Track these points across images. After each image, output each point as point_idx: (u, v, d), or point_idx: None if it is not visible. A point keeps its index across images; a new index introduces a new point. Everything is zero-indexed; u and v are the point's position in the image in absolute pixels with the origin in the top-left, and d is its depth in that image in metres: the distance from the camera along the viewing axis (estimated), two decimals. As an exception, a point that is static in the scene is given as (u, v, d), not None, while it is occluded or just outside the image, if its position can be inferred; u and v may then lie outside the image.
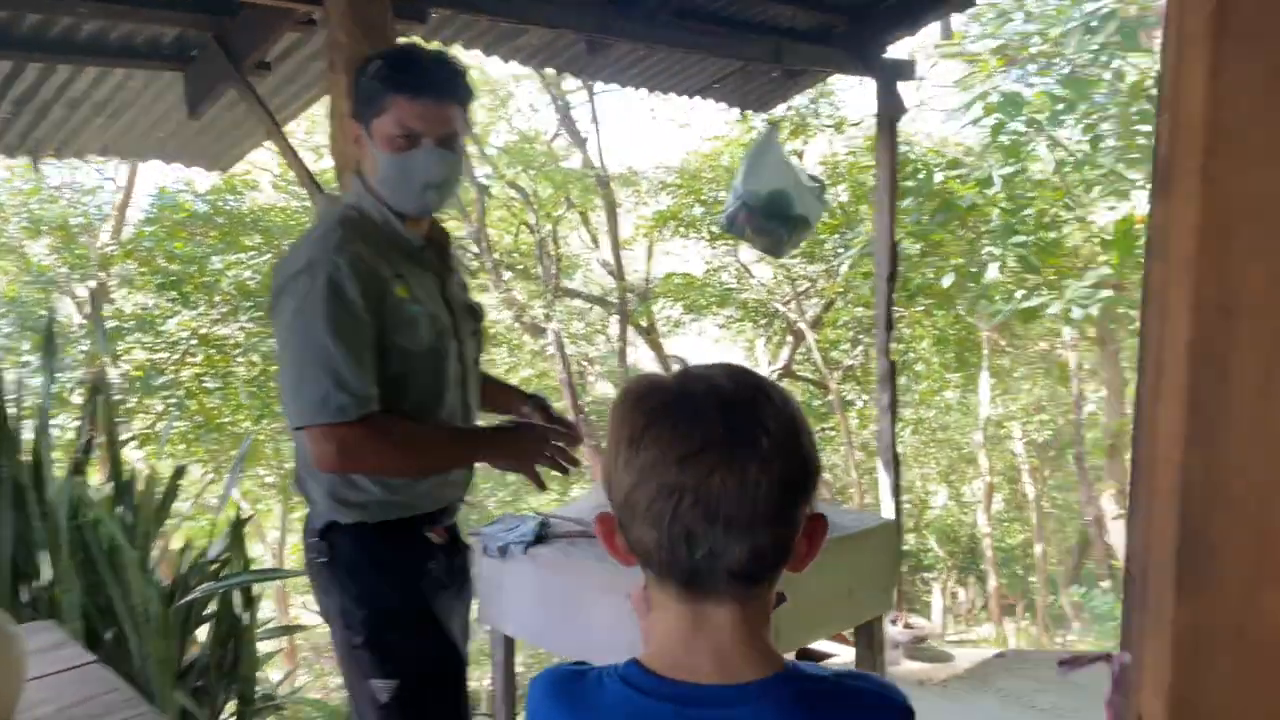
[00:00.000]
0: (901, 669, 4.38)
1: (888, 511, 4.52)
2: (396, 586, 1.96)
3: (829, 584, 3.25)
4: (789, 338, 13.77)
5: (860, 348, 14.95)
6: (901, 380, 14.71)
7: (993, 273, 5.89)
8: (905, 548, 15.68)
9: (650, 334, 12.39)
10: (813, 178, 4.29)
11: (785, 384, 15.02)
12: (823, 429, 14.94)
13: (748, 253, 12.86)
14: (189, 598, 4.42)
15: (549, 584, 3.16)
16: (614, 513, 0.96)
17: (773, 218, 4.04)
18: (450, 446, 2.02)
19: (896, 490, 4.51)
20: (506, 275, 12.44)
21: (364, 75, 1.89)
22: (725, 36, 4.02)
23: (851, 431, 13.64)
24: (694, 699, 0.92)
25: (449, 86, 1.88)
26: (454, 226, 12.90)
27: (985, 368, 12.76)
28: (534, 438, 2.01)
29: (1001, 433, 13.74)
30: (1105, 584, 9.90)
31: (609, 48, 4.06)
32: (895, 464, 4.52)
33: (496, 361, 13.34)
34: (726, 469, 0.88)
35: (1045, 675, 4.41)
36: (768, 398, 0.94)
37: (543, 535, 3.26)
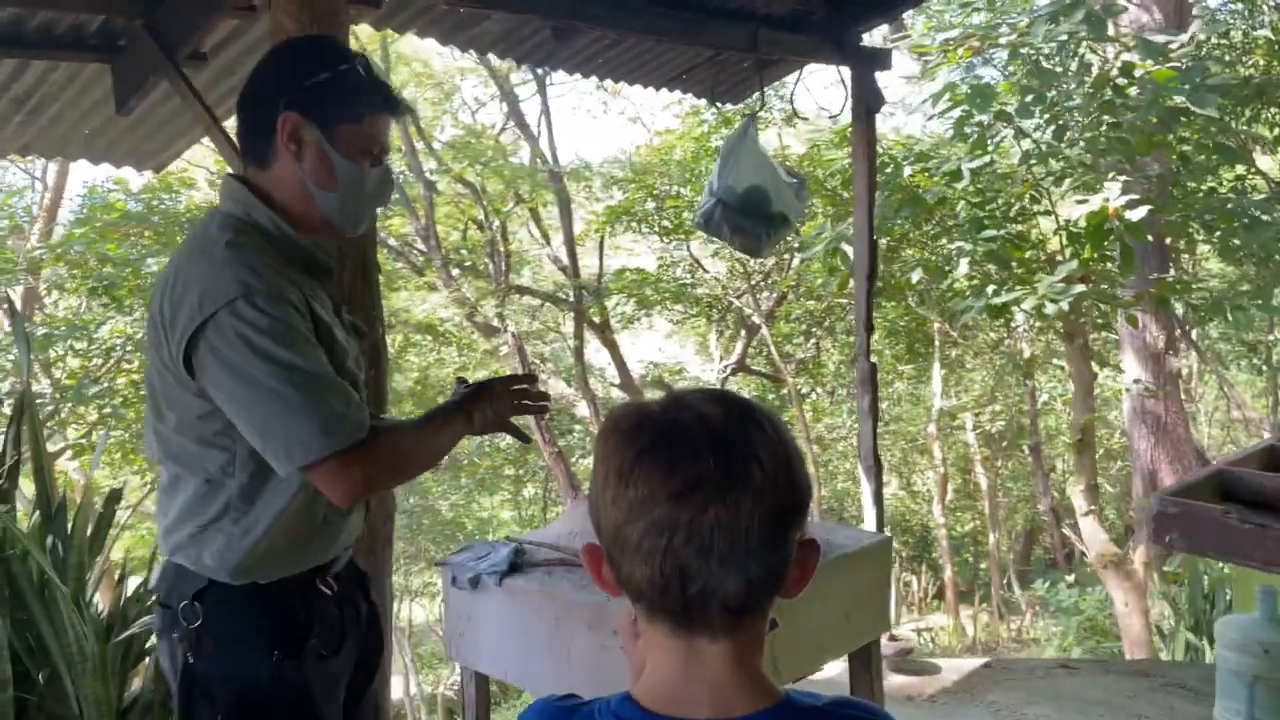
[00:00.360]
0: (888, 683, 4.17)
1: (869, 521, 4.30)
2: (277, 658, 1.69)
3: (827, 609, 3.04)
4: (742, 332, 13.68)
5: (813, 340, 14.94)
6: (853, 374, 14.69)
7: (963, 268, 5.71)
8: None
9: (604, 331, 12.12)
10: (791, 173, 4.06)
11: (739, 378, 14.91)
12: (777, 423, 14.85)
13: (700, 247, 12.78)
14: (128, 633, 4.09)
15: (525, 617, 2.91)
16: (602, 545, 0.94)
17: (751, 215, 3.80)
18: (436, 433, 1.82)
19: (879, 498, 4.30)
20: (455, 273, 12.09)
21: (329, 70, 1.68)
22: (699, 23, 3.76)
23: (808, 425, 13.52)
24: None
25: (401, 105, 1.79)
26: (400, 224, 12.53)
27: (937, 359, 12.72)
28: (498, 390, 1.91)
29: (955, 424, 13.70)
30: (1069, 578, 9.85)
31: (575, 35, 3.77)
32: (877, 470, 4.30)
33: (446, 362, 13.00)
34: (720, 504, 0.87)
35: (1035, 685, 4.24)
36: (759, 427, 0.92)
37: (517, 564, 3.00)
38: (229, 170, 1.97)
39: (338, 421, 1.56)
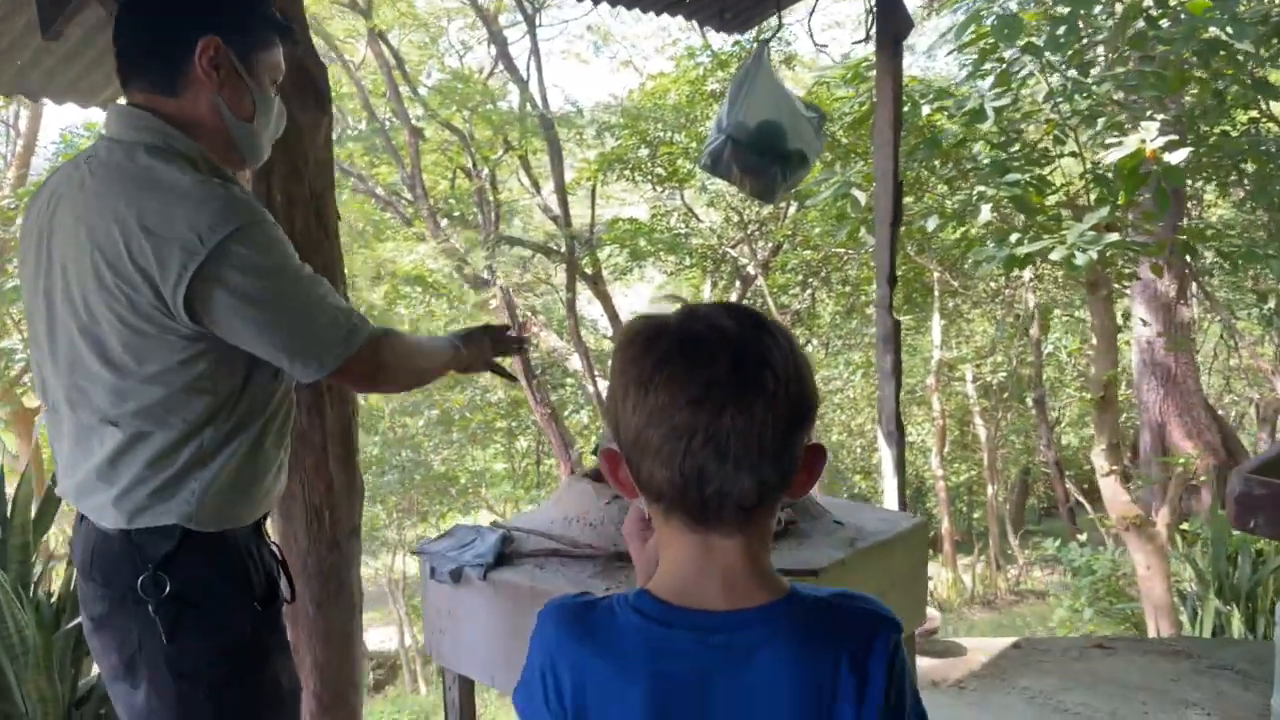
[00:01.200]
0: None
1: (890, 493, 3.86)
2: (257, 610, 1.66)
3: (859, 605, 2.61)
4: (737, 282, 13.25)
5: (809, 291, 14.49)
6: (853, 323, 14.28)
7: (985, 215, 5.22)
8: (856, 492, 15.32)
9: (596, 283, 11.63)
10: (809, 106, 3.56)
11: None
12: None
13: (694, 196, 12.30)
14: (77, 620, 3.66)
15: (513, 615, 2.48)
16: (621, 450, 0.98)
17: (764, 154, 3.31)
18: (428, 350, 1.93)
19: (900, 466, 3.86)
20: (444, 223, 11.55)
21: None
22: (707, -66, 3.25)
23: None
24: (712, 626, 0.96)
25: (293, 32, 1.78)
26: (387, 172, 11.96)
27: (936, 309, 12.31)
28: (478, 335, 2.06)
29: (955, 376, 13.30)
30: (1082, 538, 9.48)
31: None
32: (899, 436, 3.86)
33: (437, 314, 12.50)
34: (736, 409, 0.91)
35: (1069, 668, 3.84)
36: (771, 336, 0.95)
37: (504, 554, 2.57)
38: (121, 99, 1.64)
39: (353, 314, 1.62)
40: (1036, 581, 13.81)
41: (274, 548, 1.78)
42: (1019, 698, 3.57)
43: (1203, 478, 8.02)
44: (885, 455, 3.85)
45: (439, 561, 2.59)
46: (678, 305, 1.22)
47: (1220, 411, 10.67)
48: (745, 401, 0.90)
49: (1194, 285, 8.88)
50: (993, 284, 13.46)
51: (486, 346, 2.06)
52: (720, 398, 0.90)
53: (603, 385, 12.69)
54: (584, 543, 2.57)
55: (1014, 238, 5.19)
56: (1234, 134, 6.51)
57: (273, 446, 1.69)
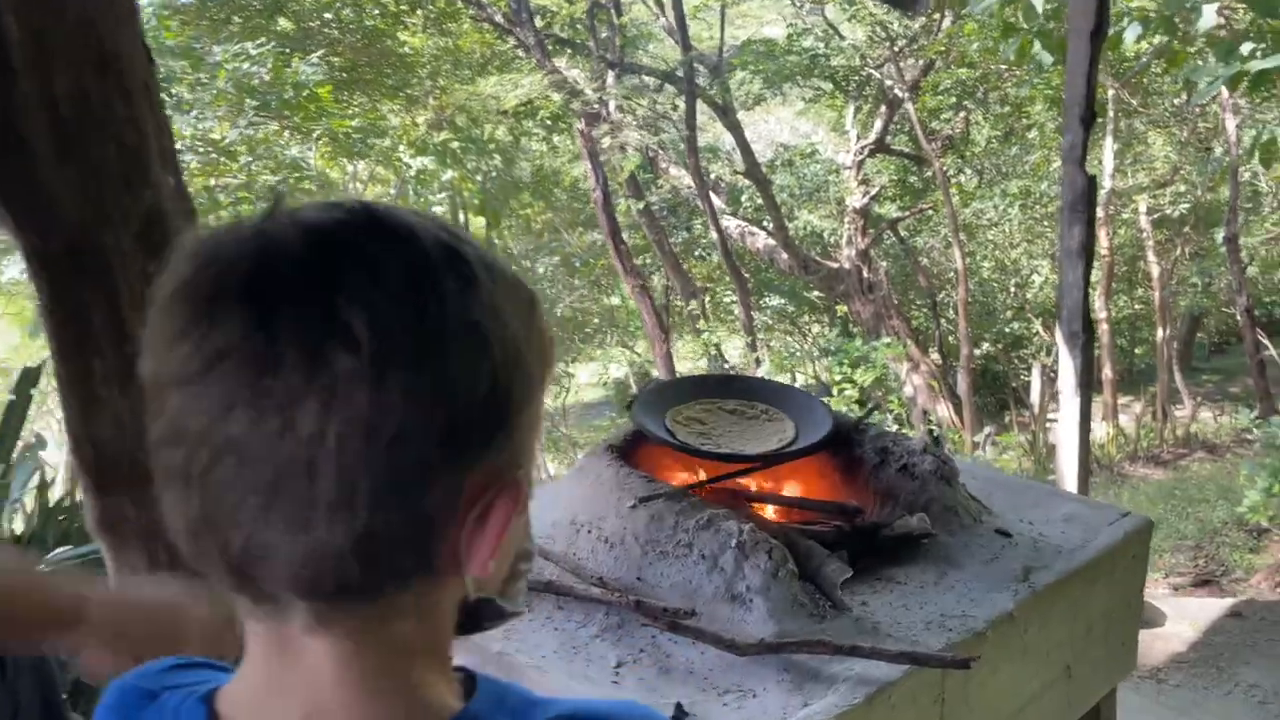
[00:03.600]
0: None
1: (1066, 436, 2.69)
2: None
3: (1031, 670, 1.60)
4: (883, 107, 11.73)
5: (963, 114, 12.75)
6: (1011, 150, 12.50)
7: (1209, 18, 3.75)
8: (1007, 329, 13.85)
9: (727, 114, 10.28)
10: None
11: (877, 159, 12.91)
12: (920, 209, 12.98)
13: (835, 12, 10.73)
14: (50, 556, 3.04)
15: (495, 661, 1.58)
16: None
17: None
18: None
19: (1086, 379, 2.70)
20: (564, 57, 10.32)
21: None
22: None
23: (955, 210, 11.59)
24: None
25: None
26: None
27: (1110, 131, 10.51)
28: None
29: (1129, 207, 11.50)
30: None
31: None
32: (1087, 338, 2.69)
33: (561, 151, 11.40)
34: (252, 407, 0.48)
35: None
36: (373, 266, 0.50)
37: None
38: None
39: None
40: (1205, 428, 12.26)
41: None
42: (1242, 701, 2.50)
43: None
44: (1065, 366, 2.70)
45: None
46: None
47: None
48: (277, 392, 0.47)
49: None
50: (1175, 101, 11.45)
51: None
52: (229, 381, 0.47)
53: (731, 225, 11.53)
54: (592, 572, 1.61)
55: (1246, 48, 3.74)
56: None
57: None
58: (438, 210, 11.63)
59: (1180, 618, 2.91)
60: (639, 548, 1.55)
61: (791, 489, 1.82)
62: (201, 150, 7.51)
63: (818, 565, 1.52)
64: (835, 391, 7.59)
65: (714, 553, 1.49)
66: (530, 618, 1.52)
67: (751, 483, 1.80)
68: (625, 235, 11.44)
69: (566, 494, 1.75)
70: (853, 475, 1.78)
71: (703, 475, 1.78)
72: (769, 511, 1.78)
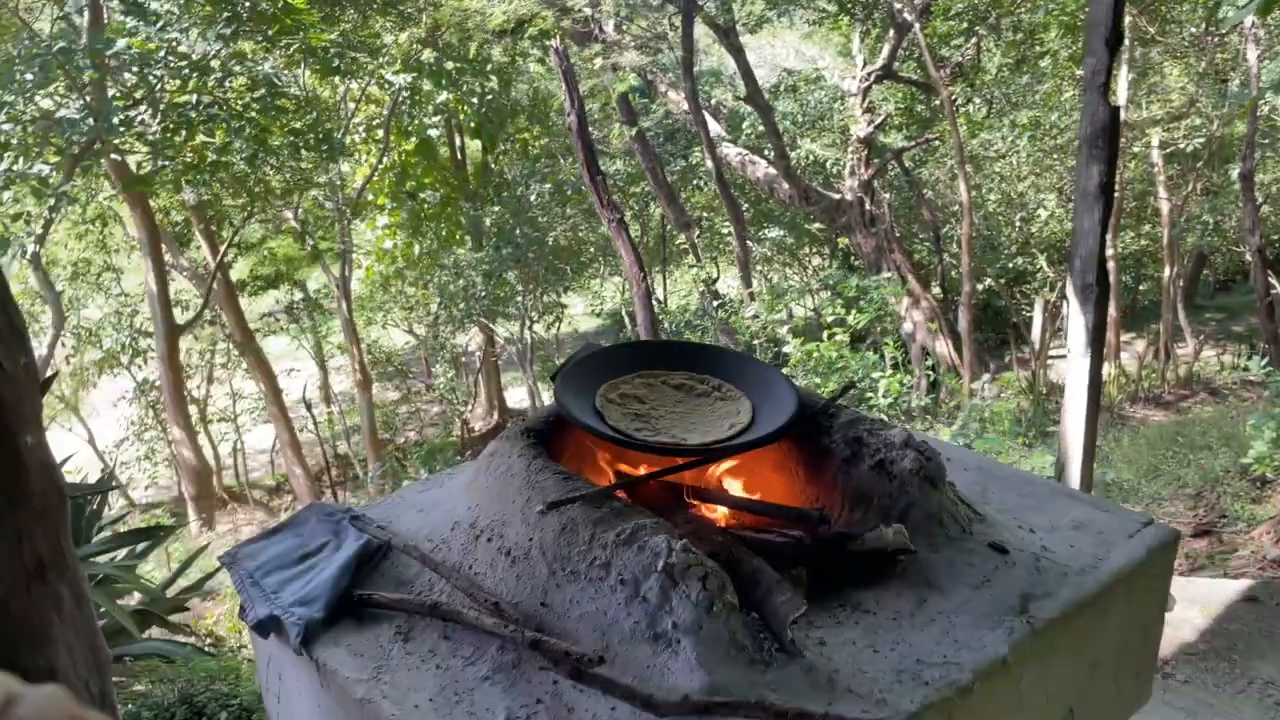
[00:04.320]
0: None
1: (1073, 393, 2.37)
2: None
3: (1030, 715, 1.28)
4: (891, 31, 11.12)
5: (974, 40, 12.16)
6: (1023, 79, 11.92)
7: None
8: (1011, 264, 13.40)
9: (729, 36, 9.73)
10: None
11: (884, 86, 12.35)
12: (927, 139, 12.44)
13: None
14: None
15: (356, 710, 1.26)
16: None
17: None
18: None
19: (1098, 338, 2.38)
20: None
21: None
22: None
23: (962, 140, 11.08)
24: None
25: None
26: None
27: (1125, 61, 9.96)
28: None
29: (1141, 140, 10.99)
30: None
31: None
32: (1102, 292, 2.36)
33: (554, 73, 10.88)
34: None
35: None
36: None
37: (353, 595, 1.33)
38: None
39: None
40: (1207, 367, 11.91)
41: None
42: (1257, 701, 2.23)
43: None
44: (1074, 323, 2.36)
45: (249, 593, 1.36)
46: None
47: None
48: None
49: None
50: (1194, 29, 10.87)
51: None
52: None
53: (730, 153, 11.04)
54: (490, 593, 1.30)
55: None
56: None
57: None
58: (433, 133, 11.15)
59: (1190, 601, 2.61)
60: (546, 565, 1.24)
61: (739, 485, 1.50)
62: (172, 64, 7.05)
63: (765, 593, 1.21)
64: (825, 336, 7.23)
65: (635, 576, 1.18)
66: (409, 650, 1.22)
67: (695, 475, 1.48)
68: (620, 163, 10.96)
69: (471, 486, 1.43)
70: (818, 470, 1.46)
71: (641, 469, 1.46)
72: (718, 510, 1.47)
